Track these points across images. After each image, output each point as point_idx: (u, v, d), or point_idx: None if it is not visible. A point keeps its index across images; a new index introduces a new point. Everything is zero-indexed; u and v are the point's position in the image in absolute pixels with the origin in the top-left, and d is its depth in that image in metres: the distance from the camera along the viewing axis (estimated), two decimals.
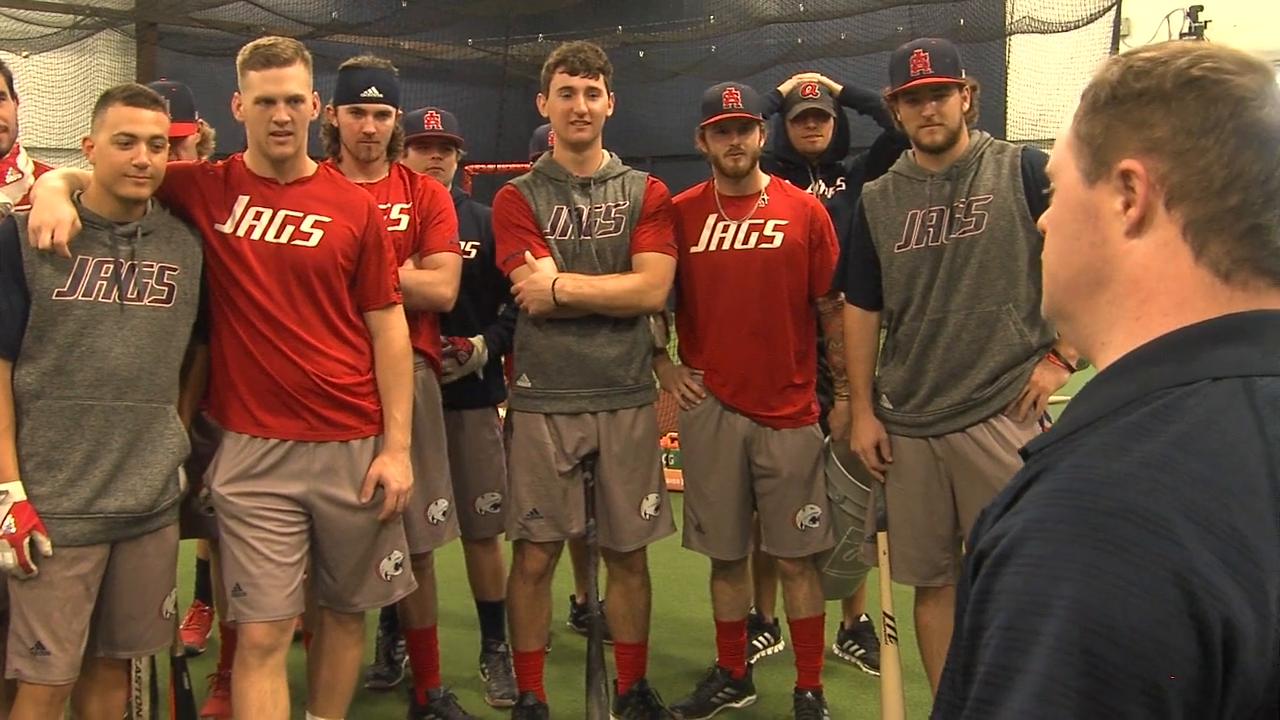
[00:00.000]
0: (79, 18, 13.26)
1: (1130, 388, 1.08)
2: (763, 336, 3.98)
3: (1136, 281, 1.12)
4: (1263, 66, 1.13)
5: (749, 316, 3.98)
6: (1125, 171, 1.11)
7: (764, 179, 4.08)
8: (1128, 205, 1.11)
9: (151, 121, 3.13)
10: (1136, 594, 0.93)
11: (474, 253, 4.25)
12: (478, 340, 4.21)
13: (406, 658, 4.57)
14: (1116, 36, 14.04)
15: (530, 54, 13.41)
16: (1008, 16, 14.09)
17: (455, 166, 4.56)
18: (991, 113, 15.96)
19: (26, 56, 12.48)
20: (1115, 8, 13.29)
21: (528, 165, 4.20)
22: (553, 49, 3.93)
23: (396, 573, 3.57)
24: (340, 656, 3.61)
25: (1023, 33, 13.74)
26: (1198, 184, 1.08)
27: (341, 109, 3.83)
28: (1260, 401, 1.04)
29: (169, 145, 3.22)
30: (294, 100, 3.26)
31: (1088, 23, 13.28)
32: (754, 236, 3.98)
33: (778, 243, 3.97)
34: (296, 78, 3.27)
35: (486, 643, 4.60)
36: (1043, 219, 1.25)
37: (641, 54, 14.59)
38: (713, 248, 4.01)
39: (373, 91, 3.79)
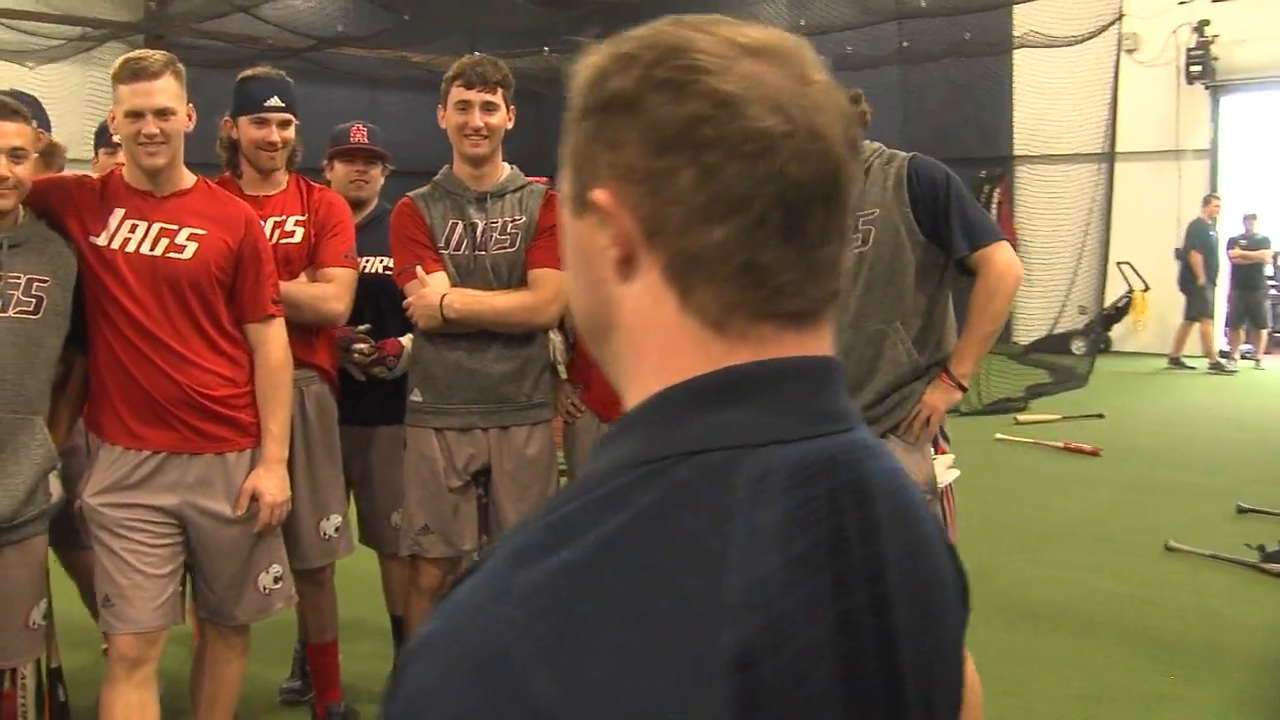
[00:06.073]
0: (86, 29, 13.36)
1: (598, 465, 0.86)
2: None
3: (631, 330, 0.90)
4: (775, 49, 0.86)
5: None
6: (593, 203, 0.88)
7: None
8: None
9: (13, 134, 3.12)
10: None
11: None
12: (407, 340, 4.16)
13: None
14: (1119, 50, 13.94)
15: (534, 66, 13.39)
16: (1014, 30, 14.03)
17: (381, 180, 4.55)
18: (996, 124, 15.88)
19: (32, 68, 12.58)
20: (1117, 22, 13.18)
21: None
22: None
23: (276, 586, 3.55)
24: (221, 670, 3.60)
25: (1030, 47, 13.65)
26: (674, 213, 0.85)
27: (243, 120, 3.82)
28: (742, 482, 0.82)
29: (32, 156, 3.23)
30: (162, 113, 3.25)
31: (1090, 37, 13.18)
32: None
33: None
34: (165, 90, 3.25)
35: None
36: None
37: None
38: None
39: (275, 101, 3.80)
